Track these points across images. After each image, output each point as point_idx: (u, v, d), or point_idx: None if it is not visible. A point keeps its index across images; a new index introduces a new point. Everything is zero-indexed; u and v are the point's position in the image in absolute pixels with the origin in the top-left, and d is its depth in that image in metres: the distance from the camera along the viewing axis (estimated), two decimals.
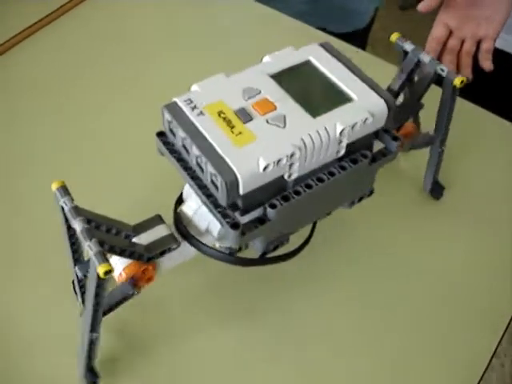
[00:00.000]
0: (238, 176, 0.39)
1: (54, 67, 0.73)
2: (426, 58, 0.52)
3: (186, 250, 0.46)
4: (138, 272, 0.44)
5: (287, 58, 0.46)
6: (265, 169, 0.39)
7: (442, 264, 0.56)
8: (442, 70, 0.51)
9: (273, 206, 0.42)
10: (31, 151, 0.65)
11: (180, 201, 0.48)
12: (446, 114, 0.54)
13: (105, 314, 0.46)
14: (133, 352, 0.51)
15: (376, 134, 0.46)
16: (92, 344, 0.45)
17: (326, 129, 0.41)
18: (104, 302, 0.42)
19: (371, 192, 0.49)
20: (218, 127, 0.41)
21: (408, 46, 0.53)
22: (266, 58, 0.46)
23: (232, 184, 0.39)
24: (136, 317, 0.52)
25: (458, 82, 0.50)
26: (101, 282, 0.40)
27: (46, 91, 0.70)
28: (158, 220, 0.46)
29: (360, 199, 0.49)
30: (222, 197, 0.40)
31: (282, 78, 0.45)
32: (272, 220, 0.42)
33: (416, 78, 0.53)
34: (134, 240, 0.44)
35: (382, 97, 0.44)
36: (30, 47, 0.76)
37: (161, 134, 0.45)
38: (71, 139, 0.66)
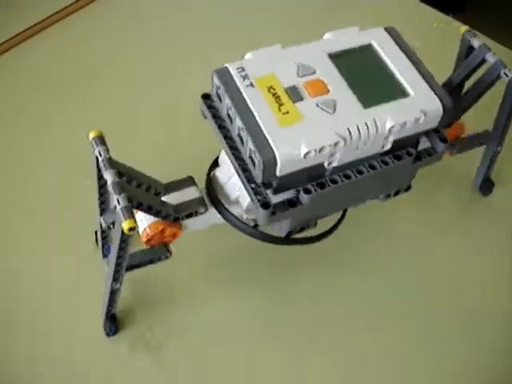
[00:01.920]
0: (278, 158, 0.38)
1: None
2: (491, 58, 0.49)
3: (212, 216, 0.46)
4: (158, 231, 0.44)
5: (349, 38, 0.44)
6: (306, 155, 0.38)
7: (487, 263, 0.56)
8: (506, 75, 0.49)
9: (307, 192, 0.41)
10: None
11: (215, 165, 0.47)
12: (505, 115, 0.52)
13: (131, 268, 0.46)
14: (151, 306, 0.52)
15: (425, 133, 0.44)
16: (113, 293, 0.46)
17: (375, 122, 0.40)
18: (127, 258, 0.43)
19: (409, 187, 0.48)
20: (266, 102, 0.40)
21: (476, 42, 0.50)
22: (328, 35, 0.45)
23: (270, 164, 0.38)
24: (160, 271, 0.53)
25: None
26: (125, 237, 0.40)
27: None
28: (189, 182, 0.46)
29: (396, 193, 0.48)
30: (257, 174, 0.39)
31: (341, 59, 0.43)
32: (304, 205, 0.42)
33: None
34: (164, 199, 0.44)
35: (439, 97, 0.42)
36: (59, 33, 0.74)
37: (206, 97, 0.44)
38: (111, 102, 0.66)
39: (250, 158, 0.40)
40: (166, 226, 0.44)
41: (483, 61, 0.50)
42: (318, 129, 0.39)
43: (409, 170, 0.45)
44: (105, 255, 0.51)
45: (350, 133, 0.39)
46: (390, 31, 0.45)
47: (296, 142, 0.38)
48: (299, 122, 0.39)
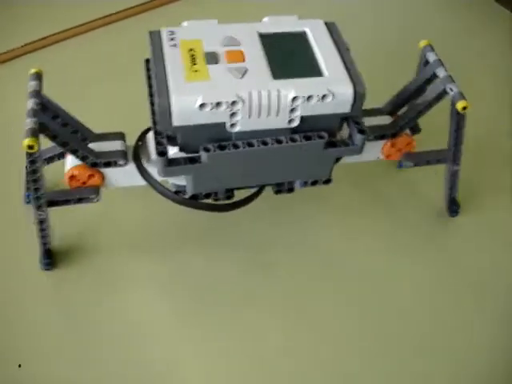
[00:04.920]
0: (172, 103, 0.40)
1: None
2: (441, 73, 0.49)
3: (134, 173, 0.48)
4: (85, 174, 0.47)
5: (285, 24, 0.47)
6: (201, 107, 0.40)
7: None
8: (451, 90, 0.48)
9: (206, 150, 0.43)
10: None
11: None
12: (454, 134, 0.51)
13: (58, 203, 0.49)
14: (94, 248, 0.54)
15: (344, 120, 0.45)
16: (41, 223, 0.49)
17: (278, 91, 0.41)
18: (42, 185, 0.45)
19: (328, 181, 0.48)
20: (180, 60, 0.43)
21: (431, 57, 0.50)
22: (266, 19, 0.47)
23: (164, 109, 0.40)
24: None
25: (460, 106, 0.48)
26: (30, 158, 0.43)
27: None
28: (119, 136, 0.49)
29: (314, 183, 0.48)
30: (157, 121, 0.42)
31: (269, 39, 0.45)
32: (203, 163, 0.43)
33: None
34: (91, 145, 0.48)
35: (353, 82, 0.43)
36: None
37: (147, 61, 0.48)
38: None
39: (156, 108, 0.42)
40: (92, 172, 0.47)
41: (434, 75, 0.50)
42: (219, 87, 0.41)
43: (322, 157, 0.46)
44: (28, 201, 0.54)
45: (250, 95, 0.41)
46: (329, 25, 0.47)
47: (194, 94, 0.41)
48: (205, 80, 0.42)
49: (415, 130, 0.54)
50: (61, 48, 0.75)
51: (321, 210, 0.58)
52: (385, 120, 0.52)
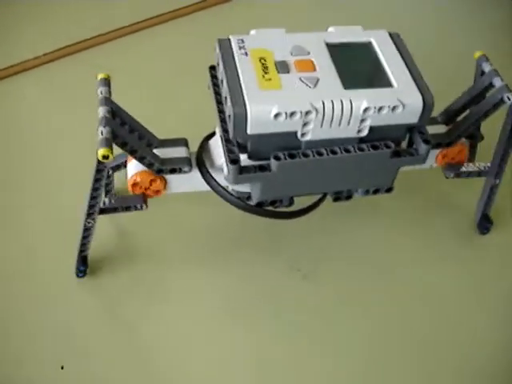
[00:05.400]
0: (248, 112, 0.41)
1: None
2: (498, 82, 0.50)
3: (197, 180, 0.48)
4: (147, 180, 0.48)
5: (351, 34, 0.47)
6: (276, 116, 0.41)
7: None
8: (509, 99, 0.49)
9: (277, 158, 0.43)
10: None
11: (214, 134, 0.50)
12: (504, 144, 0.52)
13: (107, 211, 0.50)
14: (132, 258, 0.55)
15: (409, 130, 0.46)
16: (86, 230, 0.49)
17: (350, 101, 0.42)
18: (102, 194, 0.46)
19: (390, 189, 0.49)
20: (253, 69, 0.43)
21: (486, 67, 0.51)
22: (331, 29, 0.48)
23: (240, 118, 0.41)
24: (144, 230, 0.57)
25: None
26: (100, 166, 0.44)
27: None
28: (182, 142, 0.49)
29: (375, 191, 0.49)
30: (230, 129, 0.42)
31: (337, 49, 0.46)
32: (273, 171, 0.44)
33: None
34: (155, 151, 0.48)
35: (421, 92, 0.43)
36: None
37: (212, 68, 0.48)
38: None
39: (229, 116, 0.43)
40: (154, 178, 0.48)
41: (491, 85, 0.50)
42: (293, 96, 0.42)
43: (387, 166, 0.46)
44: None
45: (323, 105, 0.42)
46: (393, 35, 0.48)
47: (269, 103, 0.41)
48: (278, 88, 0.42)
49: (476, 137, 0.55)
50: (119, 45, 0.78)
51: (363, 220, 0.59)
52: (440, 129, 0.53)
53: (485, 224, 0.57)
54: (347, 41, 0.47)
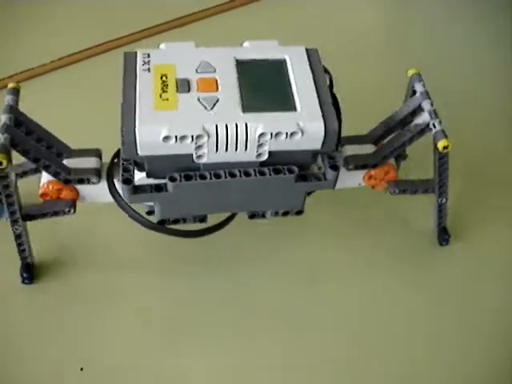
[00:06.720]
0: (137, 134, 0.40)
1: None
2: (427, 105, 0.47)
3: (107, 191, 0.48)
4: (55, 189, 0.47)
5: (265, 50, 0.45)
6: (165, 139, 0.40)
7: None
8: (434, 126, 0.47)
9: (172, 180, 0.42)
10: None
11: None
12: (438, 170, 0.50)
13: (35, 217, 0.49)
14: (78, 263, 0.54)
15: (316, 155, 0.44)
16: (18, 237, 0.49)
17: (246, 126, 0.41)
18: (15, 198, 0.46)
19: (300, 212, 0.48)
20: (151, 87, 0.42)
21: (418, 87, 0.49)
22: (246, 44, 0.46)
23: (130, 140, 0.40)
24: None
25: (440, 145, 0.46)
26: (0, 172, 0.43)
27: None
28: (95, 153, 0.49)
29: (285, 214, 0.48)
30: (123, 148, 0.42)
31: (247, 66, 0.44)
32: (169, 192, 0.43)
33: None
34: (65, 162, 0.48)
35: (324, 119, 0.41)
36: None
37: None
38: None
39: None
40: (61, 188, 0.48)
41: (420, 107, 0.48)
42: (186, 119, 0.41)
43: (293, 190, 0.45)
44: None
45: (216, 129, 0.40)
46: (310, 52, 0.46)
47: (159, 125, 0.40)
48: (173, 109, 0.41)
49: (400, 156, 0.53)
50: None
51: (304, 234, 0.57)
52: (368, 149, 0.51)
53: (443, 236, 0.56)
54: (259, 57, 0.45)
